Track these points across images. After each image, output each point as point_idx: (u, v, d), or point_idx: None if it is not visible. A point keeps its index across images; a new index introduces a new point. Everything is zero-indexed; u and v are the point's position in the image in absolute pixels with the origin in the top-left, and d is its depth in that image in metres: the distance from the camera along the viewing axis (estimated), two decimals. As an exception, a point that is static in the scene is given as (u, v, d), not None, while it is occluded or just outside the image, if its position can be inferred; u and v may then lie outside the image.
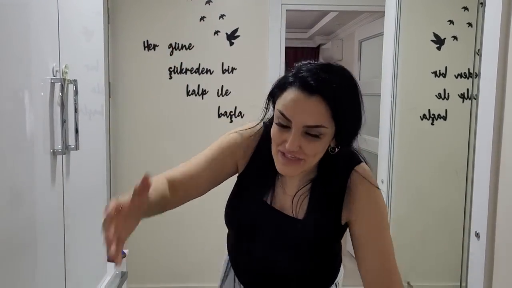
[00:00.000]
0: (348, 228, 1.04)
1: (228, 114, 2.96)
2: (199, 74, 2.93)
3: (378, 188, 1.02)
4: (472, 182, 1.54)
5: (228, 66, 2.94)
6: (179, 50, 2.91)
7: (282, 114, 0.91)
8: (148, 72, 2.91)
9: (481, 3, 2.35)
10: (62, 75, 1.29)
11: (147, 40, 2.89)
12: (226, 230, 1.18)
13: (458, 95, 2.60)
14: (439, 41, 2.56)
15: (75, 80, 1.33)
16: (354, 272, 1.17)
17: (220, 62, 2.93)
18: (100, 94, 1.68)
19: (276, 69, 2.94)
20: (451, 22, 2.55)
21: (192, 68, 2.92)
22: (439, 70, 2.58)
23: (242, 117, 2.95)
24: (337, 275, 1.15)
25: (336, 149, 0.97)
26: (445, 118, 2.63)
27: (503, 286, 1.37)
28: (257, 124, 1.10)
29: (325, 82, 0.88)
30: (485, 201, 1.43)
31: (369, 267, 0.97)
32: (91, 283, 1.65)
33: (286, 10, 2.96)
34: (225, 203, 1.12)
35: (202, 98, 2.95)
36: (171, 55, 2.90)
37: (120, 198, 0.77)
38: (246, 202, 1.08)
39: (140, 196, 0.77)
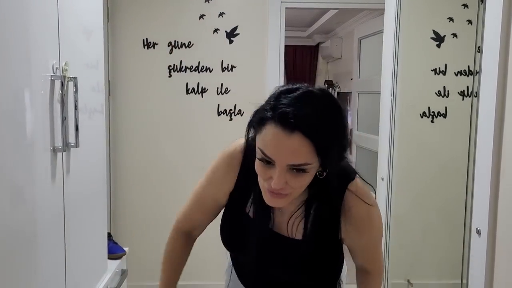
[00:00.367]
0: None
1: (227, 112, 2.96)
2: (199, 72, 2.92)
3: (373, 205, 1.02)
4: (473, 179, 1.54)
5: (228, 64, 2.93)
6: (179, 48, 2.90)
7: (263, 153, 0.87)
8: (147, 70, 2.90)
9: (481, 0, 2.35)
10: (62, 73, 1.28)
11: (147, 38, 2.88)
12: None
13: (458, 92, 2.60)
14: (439, 39, 2.56)
15: (75, 78, 1.33)
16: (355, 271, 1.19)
17: (219, 60, 2.93)
18: (100, 92, 1.68)
19: (275, 67, 2.94)
20: (450, 19, 2.54)
21: (192, 66, 2.92)
22: (439, 68, 2.58)
23: (241, 115, 2.94)
24: (340, 274, 1.16)
25: (324, 173, 0.93)
26: (445, 115, 2.63)
27: (504, 283, 1.37)
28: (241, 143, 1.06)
29: (305, 117, 0.83)
30: (486, 197, 1.43)
31: (358, 264, 1.17)
32: (91, 281, 1.65)
33: (286, 8, 2.95)
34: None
35: (202, 96, 2.94)
36: (170, 53, 2.90)
37: None
38: (252, 230, 1.06)
39: None
